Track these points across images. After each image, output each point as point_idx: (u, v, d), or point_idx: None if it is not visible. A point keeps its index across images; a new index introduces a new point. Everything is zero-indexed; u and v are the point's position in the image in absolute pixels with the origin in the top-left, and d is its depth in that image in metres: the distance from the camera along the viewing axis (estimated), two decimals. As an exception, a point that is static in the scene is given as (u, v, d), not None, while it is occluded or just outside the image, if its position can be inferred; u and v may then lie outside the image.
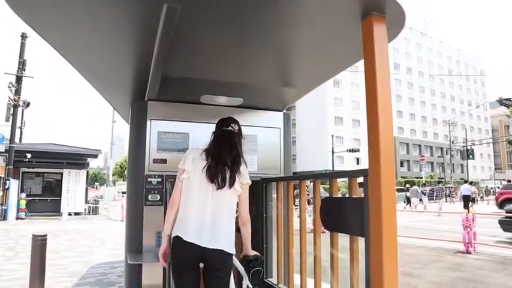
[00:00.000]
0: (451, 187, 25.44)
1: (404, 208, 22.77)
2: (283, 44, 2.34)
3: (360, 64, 1.92)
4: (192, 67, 2.65)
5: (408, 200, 24.01)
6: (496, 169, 71.22)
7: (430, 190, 25.68)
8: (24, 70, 18.04)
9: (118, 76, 2.93)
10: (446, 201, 20.57)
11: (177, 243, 2.25)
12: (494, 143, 73.09)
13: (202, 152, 2.37)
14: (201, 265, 2.27)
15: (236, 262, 2.63)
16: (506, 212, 10.49)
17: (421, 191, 23.92)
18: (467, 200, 20.42)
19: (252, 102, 3.40)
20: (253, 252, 2.57)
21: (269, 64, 2.73)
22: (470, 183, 26.24)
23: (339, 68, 2.85)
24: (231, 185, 2.33)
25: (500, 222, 10.28)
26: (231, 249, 2.29)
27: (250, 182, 2.45)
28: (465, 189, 21.75)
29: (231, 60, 2.58)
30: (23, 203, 16.81)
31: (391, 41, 1.93)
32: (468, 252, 8.02)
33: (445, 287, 5.37)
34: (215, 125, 2.53)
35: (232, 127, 2.47)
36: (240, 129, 2.52)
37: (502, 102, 30.50)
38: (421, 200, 22.67)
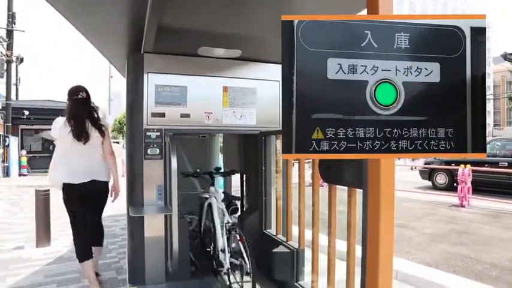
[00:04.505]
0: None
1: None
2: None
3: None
4: (188, 17, 2.53)
5: None
6: (494, 126, 71.38)
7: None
8: (14, 24, 17.43)
9: (112, 26, 2.81)
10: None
11: (67, 186, 3.17)
12: (495, 99, 72.62)
13: (65, 121, 3.13)
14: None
15: (220, 203, 3.21)
16: (424, 164, 12.29)
17: None
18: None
19: (251, 54, 3.30)
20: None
21: (269, 14, 2.61)
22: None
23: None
24: (97, 136, 3.21)
25: (420, 172, 12.36)
26: (103, 178, 3.31)
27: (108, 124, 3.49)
28: None
29: (230, 10, 2.46)
30: (24, 159, 16.98)
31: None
32: (462, 206, 8.22)
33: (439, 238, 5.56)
34: (68, 95, 3.25)
35: (81, 95, 3.22)
36: (88, 94, 3.27)
37: (506, 57, 29.82)
38: None
